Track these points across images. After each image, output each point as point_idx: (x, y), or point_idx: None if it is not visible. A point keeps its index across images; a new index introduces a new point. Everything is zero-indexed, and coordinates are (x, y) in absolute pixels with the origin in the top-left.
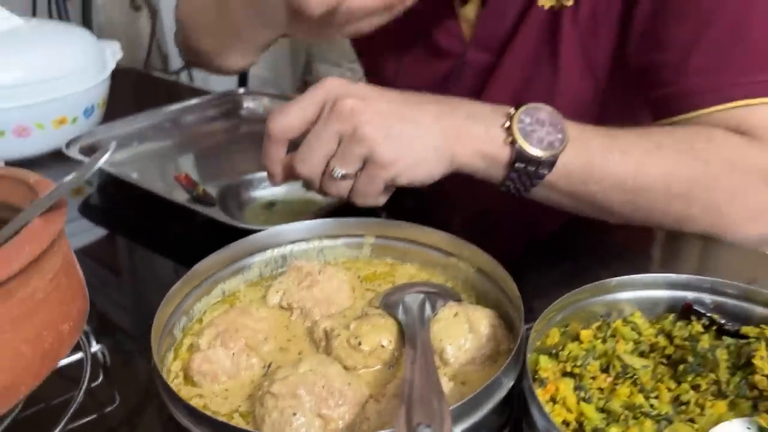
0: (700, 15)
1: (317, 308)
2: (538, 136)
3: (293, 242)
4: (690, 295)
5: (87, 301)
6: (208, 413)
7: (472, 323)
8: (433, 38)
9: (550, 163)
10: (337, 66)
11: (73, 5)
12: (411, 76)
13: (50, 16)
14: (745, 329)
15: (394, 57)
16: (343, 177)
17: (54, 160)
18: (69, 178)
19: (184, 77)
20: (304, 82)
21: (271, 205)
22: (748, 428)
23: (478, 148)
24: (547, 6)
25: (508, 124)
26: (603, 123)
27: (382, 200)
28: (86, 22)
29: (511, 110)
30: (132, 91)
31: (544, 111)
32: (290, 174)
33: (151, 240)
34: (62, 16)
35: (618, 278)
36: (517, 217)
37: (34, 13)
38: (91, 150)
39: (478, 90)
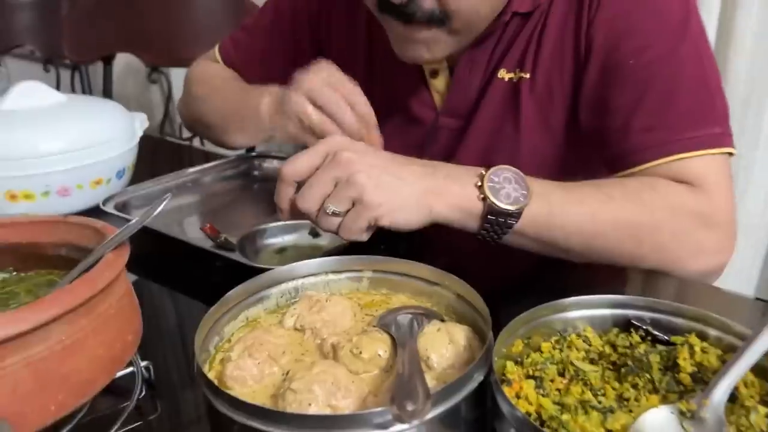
0: (637, 85)
1: (325, 328)
2: (506, 192)
3: (304, 276)
4: (630, 312)
5: (141, 321)
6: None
7: (452, 336)
8: (409, 108)
9: (517, 215)
10: None
11: (95, 78)
12: (390, 141)
13: (72, 89)
14: (674, 338)
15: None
16: (334, 214)
17: (91, 215)
18: (132, 222)
19: (196, 142)
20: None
21: (282, 250)
22: (672, 412)
23: (455, 203)
24: (506, 78)
25: (480, 183)
26: (564, 177)
27: (365, 237)
28: (106, 92)
29: (483, 171)
30: (153, 154)
31: (509, 171)
32: (296, 211)
33: (179, 282)
34: (85, 89)
35: (572, 299)
36: (492, 256)
37: (58, 86)
38: (124, 206)
39: (450, 151)
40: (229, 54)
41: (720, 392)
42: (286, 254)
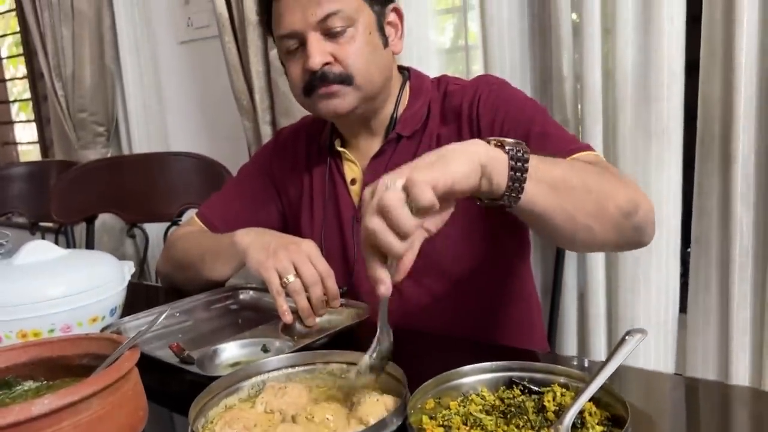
0: (522, 127)
1: (288, 408)
2: (510, 143)
3: (269, 371)
4: (514, 374)
5: (146, 402)
6: None
7: (387, 405)
8: (339, 210)
9: (527, 154)
10: None
11: (79, 234)
12: (329, 235)
13: (56, 241)
14: (543, 388)
15: (313, 226)
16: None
17: None
18: (142, 329)
19: None
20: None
21: (236, 364)
22: None
23: (485, 153)
24: None
25: (487, 141)
26: (483, 254)
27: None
28: (89, 243)
29: (480, 141)
30: (136, 294)
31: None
32: None
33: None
34: (69, 242)
35: (470, 366)
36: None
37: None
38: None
39: None
40: (207, 217)
41: (567, 419)
42: (237, 367)
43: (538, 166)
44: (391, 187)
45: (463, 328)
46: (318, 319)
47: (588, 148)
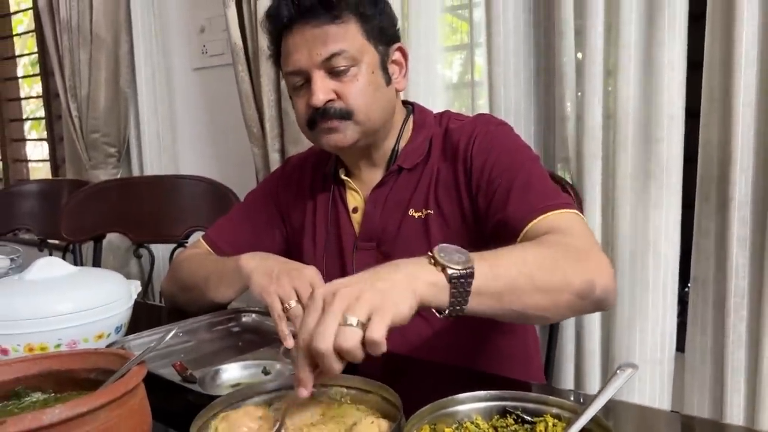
0: (504, 191)
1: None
2: (456, 260)
3: (271, 392)
4: (507, 403)
5: (151, 417)
6: None
7: (380, 426)
8: (340, 237)
9: (471, 274)
10: None
11: (86, 252)
12: (330, 261)
13: (63, 258)
14: (536, 418)
15: (315, 252)
16: (351, 324)
17: None
18: (150, 345)
19: None
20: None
21: (237, 385)
22: None
23: (427, 280)
24: (416, 216)
25: (432, 261)
26: None
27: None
28: (96, 262)
29: (429, 254)
30: (140, 314)
31: (447, 247)
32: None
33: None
34: (76, 260)
35: (465, 394)
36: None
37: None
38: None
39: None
40: (213, 240)
41: None
42: (238, 388)
43: (481, 281)
44: (350, 324)
45: (459, 357)
46: None
47: (566, 205)
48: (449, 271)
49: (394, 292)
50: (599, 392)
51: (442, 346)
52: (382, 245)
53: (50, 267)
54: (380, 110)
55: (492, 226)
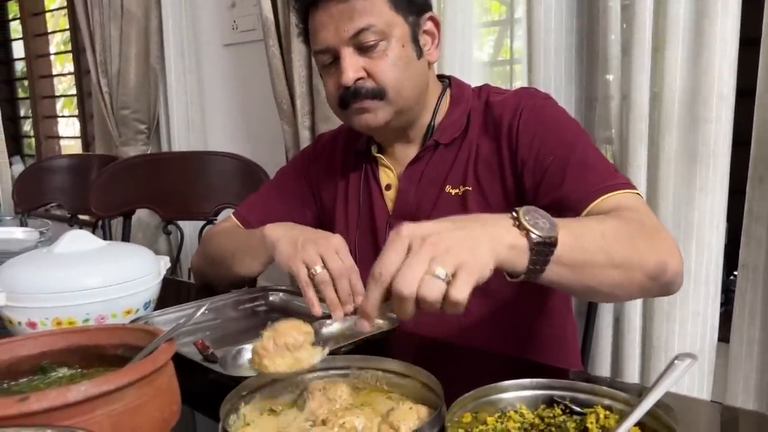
0: (558, 169)
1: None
2: (540, 225)
3: (304, 373)
4: (555, 392)
5: (180, 396)
6: None
7: (419, 413)
8: (373, 215)
9: (554, 243)
10: None
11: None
12: (362, 237)
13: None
14: (586, 409)
15: (348, 230)
16: (439, 277)
17: None
18: (180, 322)
19: None
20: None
21: None
22: None
23: (508, 243)
24: (453, 193)
25: (516, 223)
26: None
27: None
28: (125, 238)
29: (513, 214)
30: (167, 290)
31: (533, 210)
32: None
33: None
34: (106, 236)
35: (509, 381)
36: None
37: None
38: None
39: None
40: (244, 216)
41: None
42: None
43: (562, 250)
44: (437, 275)
45: (497, 341)
46: (345, 324)
47: (627, 185)
48: (533, 236)
49: (480, 251)
50: (655, 383)
51: (480, 329)
52: (417, 221)
53: (79, 240)
54: (412, 86)
55: (545, 206)
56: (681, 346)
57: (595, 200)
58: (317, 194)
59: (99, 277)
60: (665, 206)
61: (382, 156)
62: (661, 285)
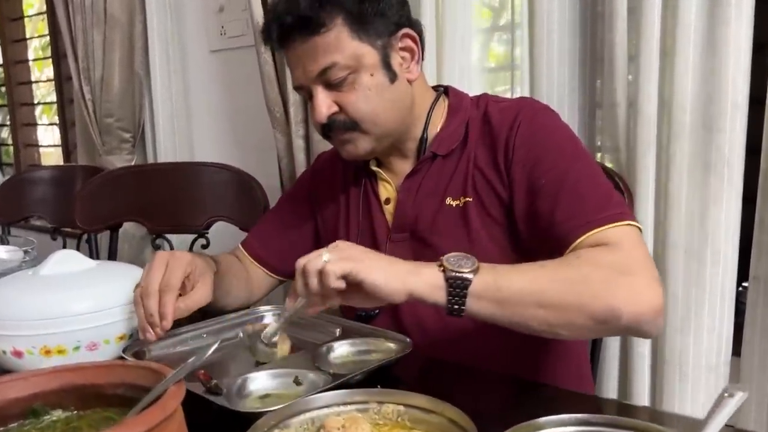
0: (551, 193)
1: None
2: (460, 264)
3: (319, 408)
4: (593, 429)
5: None
6: None
7: None
8: (373, 229)
9: (467, 277)
10: None
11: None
12: None
13: (78, 247)
14: None
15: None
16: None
17: None
18: (189, 361)
19: None
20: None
21: (266, 396)
22: None
23: (426, 280)
24: (453, 204)
25: (440, 264)
26: None
27: (337, 298)
28: (111, 257)
29: (440, 260)
30: None
31: (460, 253)
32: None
33: None
34: (92, 249)
35: (545, 418)
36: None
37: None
38: (137, 355)
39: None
40: (253, 246)
41: None
42: (268, 400)
43: (480, 286)
44: (321, 257)
45: (510, 360)
46: (354, 350)
47: (620, 216)
48: (447, 272)
49: (379, 266)
50: (706, 420)
51: (491, 348)
52: (417, 234)
53: (67, 261)
54: (388, 112)
55: (534, 228)
56: (695, 363)
57: (579, 237)
58: (319, 211)
59: (89, 301)
60: (676, 218)
61: (380, 170)
62: (618, 329)
